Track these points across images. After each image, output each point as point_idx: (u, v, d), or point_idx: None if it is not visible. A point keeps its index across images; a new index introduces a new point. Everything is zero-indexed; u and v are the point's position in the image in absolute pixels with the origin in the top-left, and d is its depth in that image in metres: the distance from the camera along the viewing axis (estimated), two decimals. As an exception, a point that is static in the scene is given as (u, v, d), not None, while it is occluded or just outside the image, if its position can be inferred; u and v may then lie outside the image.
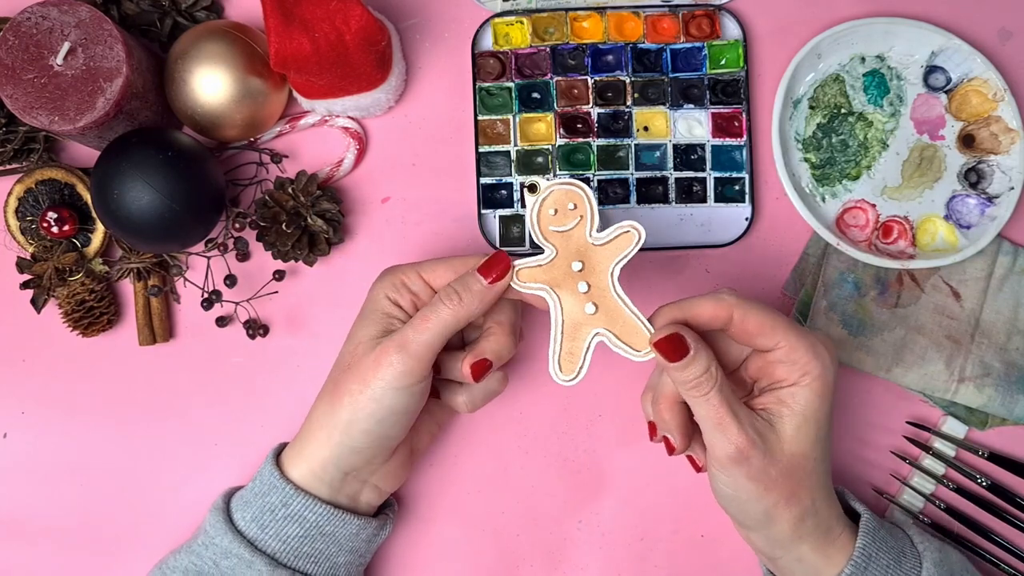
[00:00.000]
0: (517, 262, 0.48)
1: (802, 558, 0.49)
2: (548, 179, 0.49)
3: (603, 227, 0.48)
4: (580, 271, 0.48)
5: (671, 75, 0.60)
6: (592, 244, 0.48)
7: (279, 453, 0.53)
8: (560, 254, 0.48)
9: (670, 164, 0.60)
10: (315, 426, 0.50)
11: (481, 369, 0.49)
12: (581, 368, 0.47)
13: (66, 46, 0.50)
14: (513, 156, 0.59)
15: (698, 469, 0.52)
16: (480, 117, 0.60)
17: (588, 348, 0.47)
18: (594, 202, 0.48)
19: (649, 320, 0.47)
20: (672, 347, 0.46)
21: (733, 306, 0.47)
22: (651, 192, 0.60)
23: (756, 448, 0.46)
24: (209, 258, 0.58)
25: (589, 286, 0.47)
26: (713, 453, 0.47)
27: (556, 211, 0.48)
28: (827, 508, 0.49)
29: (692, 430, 0.50)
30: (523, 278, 0.48)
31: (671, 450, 0.50)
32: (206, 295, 0.56)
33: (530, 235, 0.59)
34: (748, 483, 0.47)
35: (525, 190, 0.48)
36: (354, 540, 0.51)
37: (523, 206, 0.59)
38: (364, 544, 0.52)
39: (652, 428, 0.52)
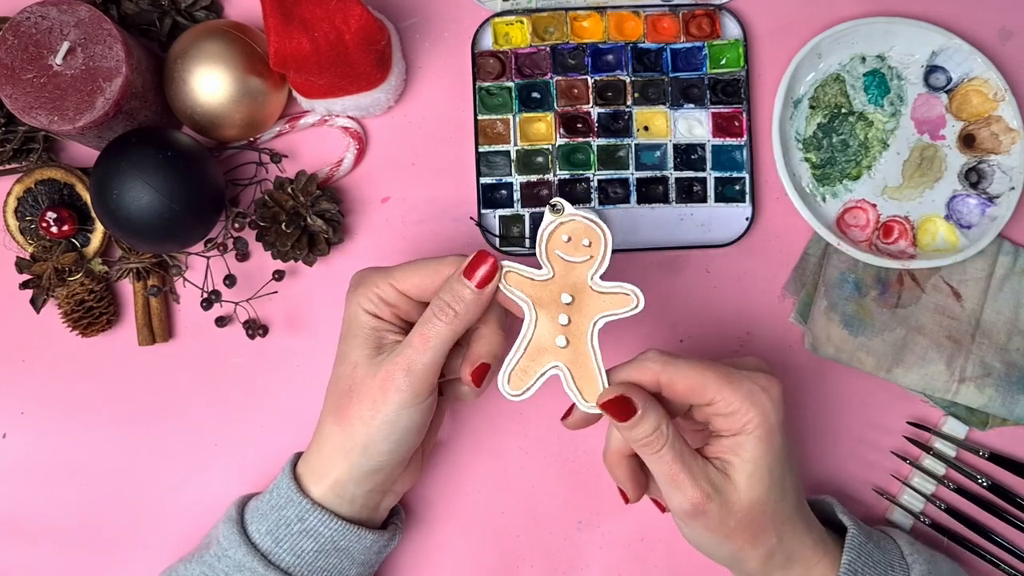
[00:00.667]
0: (507, 263, 0.47)
1: None
2: (577, 206, 0.48)
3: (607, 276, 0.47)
4: (568, 304, 0.47)
5: (671, 75, 0.60)
6: (590, 287, 0.47)
7: (295, 464, 0.52)
8: (556, 279, 0.47)
9: (670, 164, 0.60)
10: (329, 448, 0.49)
11: (481, 374, 0.48)
12: (528, 389, 0.47)
13: (65, 46, 0.50)
14: (513, 156, 0.59)
15: (663, 510, 0.52)
16: (480, 117, 0.60)
17: (542, 375, 0.47)
18: (609, 249, 0.47)
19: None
20: (619, 408, 0.45)
21: (658, 373, 0.46)
22: (651, 192, 0.60)
23: (712, 501, 0.45)
24: (209, 258, 0.58)
25: (570, 321, 0.47)
26: (671, 507, 0.47)
27: (570, 239, 0.47)
28: (796, 540, 0.48)
29: (645, 479, 0.50)
30: (511, 282, 0.47)
31: (626, 500, 0.50)
32: (206, 295, 0.56)
33: (532, 243, 0.59)
34: (709, 534, 0.47)
35: (547, 207, 0.47)
36: (367, 553, 0.51)
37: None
38: (375, 556, 0.52)
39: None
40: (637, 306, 0.47)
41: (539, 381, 0.47)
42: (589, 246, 0.47)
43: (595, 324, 0.47)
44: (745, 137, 0.60)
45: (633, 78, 0.60)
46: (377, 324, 0.49)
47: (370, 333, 0.49)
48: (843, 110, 0.61)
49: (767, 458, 0.46)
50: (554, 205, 0.47)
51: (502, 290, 0.47)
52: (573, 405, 0.48)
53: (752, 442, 0.46)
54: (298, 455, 0.53)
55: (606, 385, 0.46)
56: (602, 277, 0.47)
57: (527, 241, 0.59)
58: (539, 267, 0.47)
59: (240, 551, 0.49)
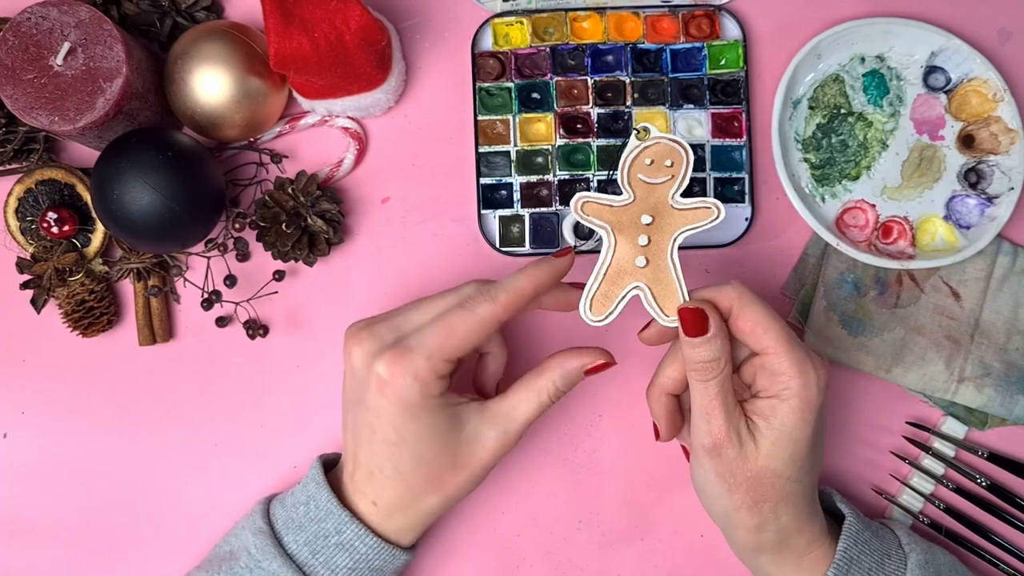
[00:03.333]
0: (586, 194, 0.48)
1: (761, 567, 0.50)
2: (652, 132, 0.49)
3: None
4: (648, 225, 0.48)
5: (671, 75, 0.60)
6: (671, 205, 0.48)
7: (323, 470, 0.51)
8: (636, 202, 0.48)
9: (670, 164, 0.60)
10: (416, 509, 0.49)
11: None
12: (611, 313, 0.47)
13: (66, 46, 0.50)
14: (513, 156, 0.59)
15: (688, 456, 0.52)
16: (480, 117, 0.60)
17: (624, 297, 0.47)
18: (691, 167, 0.48)
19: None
20: (693, 321, 0.46)
21: (734, 299, 0.47)
22: (651, 192, 0.60)
23: (731, 447, 0.46)
24: (209, 258, 0.58)
25: (650, 240, 0.48)
26: (694, 439, 0.48)
27: (652, 162, 0.48)
28: (793, 526, 0.48)
29: (680, 421, 0.51)
30: (588, 211, 0.48)
31: (657, 436, 0.51)
32: (206, 295, 0.56)
33: (531, 243, 0.59)
34: (715, 479, 0.47)
35: (634, 132, 0.48)
36: (396, 573, 0.51)
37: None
38: (397, 574, 0.52)
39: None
40: (718, 216, 0.47)
41: (621, 304, 0.47)
42: (671, 166, 0.48)
43: (675, 240, 0.48)
44: (744, 138, 0.60)
45: (633, 78, 0.60)
46: (444, 397, 0.48)
47: (442, 403, 0.48)
48: (842, 110, 0.61)
49: (796, 432, 0.46)
50: (638, 130, 0.49)
51: (580, 220, 0.48)
52: (651, 320, 0.49)
53: (785, 410, 0.46)
54: (323, 461, 0.52)
55: (687, 298, 0.47)
56: (682, 195, 0.48)
57: (527, 241, 0.59)
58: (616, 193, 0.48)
59: (275, 562, 0.48)
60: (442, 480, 0.48)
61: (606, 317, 0.47)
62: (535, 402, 0.48)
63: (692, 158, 0.48)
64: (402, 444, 0.47)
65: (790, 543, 0.48)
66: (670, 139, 0.48)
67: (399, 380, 0.45)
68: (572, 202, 0.48)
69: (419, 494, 0.49)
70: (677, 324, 0.47)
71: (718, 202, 0.48)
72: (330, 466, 0.53)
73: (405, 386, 0.46)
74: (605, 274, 0.48)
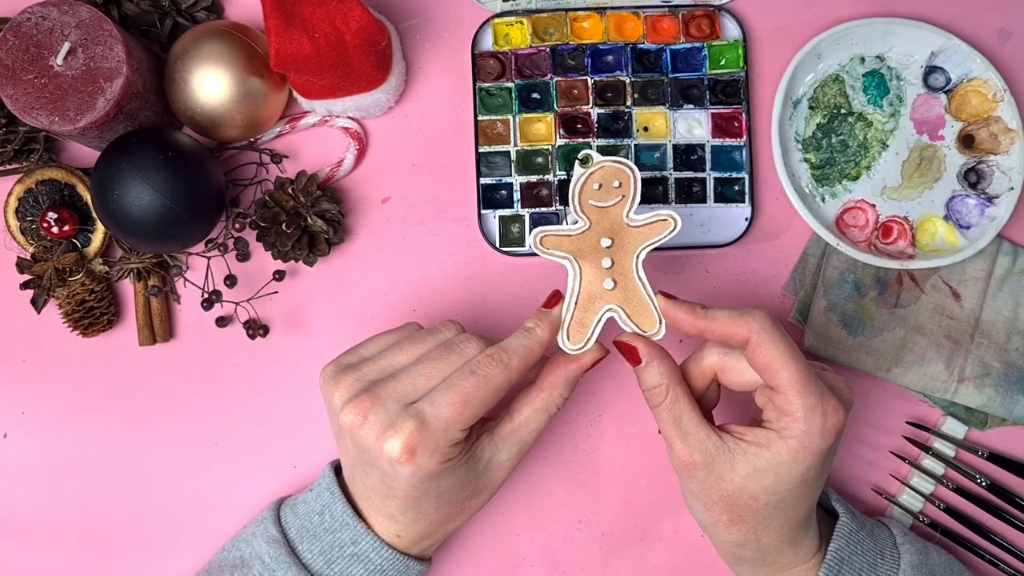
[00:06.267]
0: (543, 228, 0.48)
1: (743, 574, 0.50)
2: (600, 155, 0.50)
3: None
4: (608, 247, 0.48)
5: (671, 75, 0.60)
6: (627, 224, 0.49)
7: (338, 479, 0.51)
8: (592, 227, 0.49)
9: (670, 164, 0.60)
10: (429, 528, 0.50)
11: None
12: (589, 339, 0.48)
13: (66, 46, 0.50)
14: (513, 156, 0.59)
15: None
16: (480, 117, 0.60)
17: (599, 321, 0.48)
18: (639, 184, 0.49)
19: (674, 301, 0.48)
20: (626, 352, 0.48)
21: (753, 332, 0.45)
22: (651, 192, 0.60)
23: (699, 469, 0.46)
24: (209, 258, 0.58)
25: (613, 262, 0.48)
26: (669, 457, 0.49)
27: (600, 186, 0.49)
28: (775, 548, 0.48)
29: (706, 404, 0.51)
30: (548, 244, 0.49)
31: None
32: (206, 295, 0.56)
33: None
34: (690, 495, 0.48)
35: (577, 161, 0.49)
36: None
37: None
38: None
39: None
40: (675, 228, 0.48)
41: (597, 328, 0.48)
42: (620, 187, 0.49)
43: (638, 257, 0.48)
44: (744, 138, 0.60)
45: (633, 79, 0.60)
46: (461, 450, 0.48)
47: (459, 455, 0.48)
48: (842, 110, 0.61)
49: (783, 468, 0.45)
50: (583, 159, 0.49)
51: (541, 254, 0.48)
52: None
53: (781, 446, 0.45)
54: (336, 468, 0.52)
55: (658, 312, 0.48)
56: (636, 212, 0.49)
57: (527, 242, 0.59)
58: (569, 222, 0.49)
59: (291, 572, 0.48)
60: (464, 508, 0.50)
61: (585, 343, 0.48)
62: (544, 416, 0.49)
63: (639, 176, 0.49)
64: (424, 497, 0.47)
65: (771, 560, 0.48)
66: (614, 161, 0.49)
67: (419, 457, 0.44)
68: (530, 238, 0.49)
69: (443, 524, 0.50)
70: (658, 335, 0.48)
71: (673, 213, 0.48)
72: (339, 468, 0.53)
73: (424, 459, 0.45)
74: (576, 302, 0.48)
